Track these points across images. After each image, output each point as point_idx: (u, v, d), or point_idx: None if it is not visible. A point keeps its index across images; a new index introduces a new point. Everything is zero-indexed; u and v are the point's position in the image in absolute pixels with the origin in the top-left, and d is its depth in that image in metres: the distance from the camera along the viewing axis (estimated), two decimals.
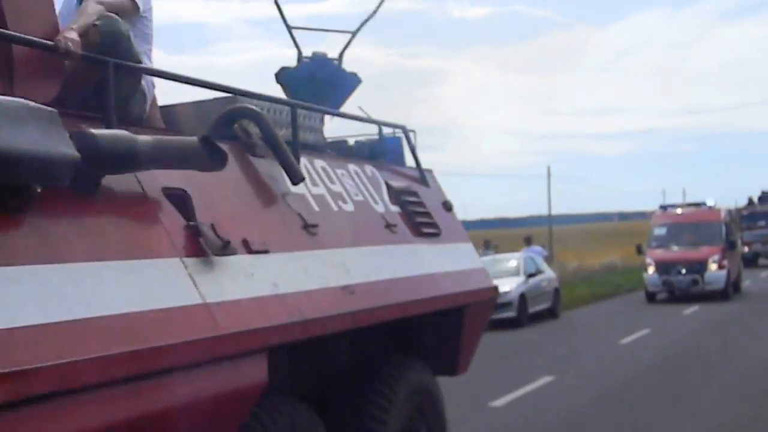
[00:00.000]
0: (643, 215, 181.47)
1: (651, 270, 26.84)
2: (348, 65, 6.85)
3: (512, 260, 23.62)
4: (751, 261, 45.97)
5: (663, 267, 26.46)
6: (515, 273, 22.52)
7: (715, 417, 10.20)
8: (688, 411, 10.65)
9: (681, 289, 26.42)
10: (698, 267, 26.09)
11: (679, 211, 29.70)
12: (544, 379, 13.25)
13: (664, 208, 30.50)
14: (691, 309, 23.80)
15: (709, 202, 29.44)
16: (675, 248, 27.35)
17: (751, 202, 50.26)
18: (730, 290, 26.62)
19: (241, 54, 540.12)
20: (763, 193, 50.51)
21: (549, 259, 28.78)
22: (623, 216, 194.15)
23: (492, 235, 41.38)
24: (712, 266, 26.02)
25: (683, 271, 26.17)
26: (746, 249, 45.23)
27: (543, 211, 49.95)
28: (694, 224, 28.07)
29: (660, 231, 28.58)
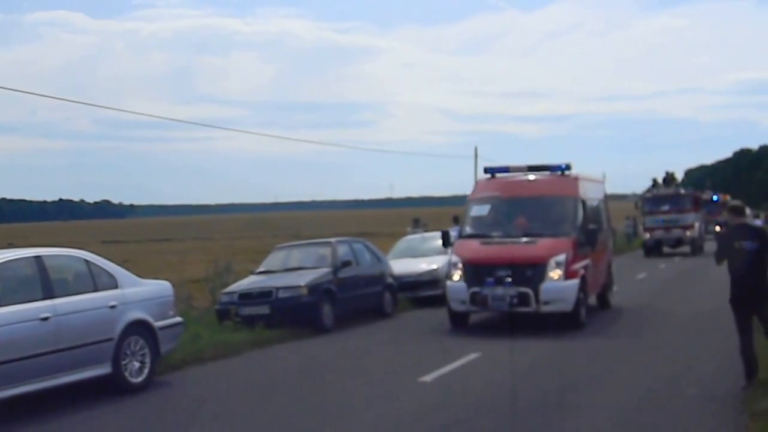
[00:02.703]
0: None
1: (456, 276, 16.59)
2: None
3: (440, 239, 23.72)
4: (653, 249, 42.67)
5: (474, 272, 16.31)
6: (443, 251, 22.65)
7: (632, 392, 10.47)
8: (610, 384, 10.92)
9: (499, 308, 16.27)
10: (530, 273, 15.98)
11: (511, 177, 18.42)
12: (471, 355, 13.46)
13: (490, 171, 18.72)
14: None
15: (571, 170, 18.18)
16: (496, 240, 16.97)
17: (655, 183, 46.34)
18: (582, 312, 16.35)
19: (167, 21, 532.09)
20: (668, 174, 46.74)
21: None
22: None
23: (419, 213, 41.64)
24: (554, 273, 15.93)
25: (506, 279, 15.96)
26: (648, 236, 42.74)
27: (468, 190, 50.56)
28: (532, 200, 17.64)
29: (479, 210, 18.00)
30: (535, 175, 18.16)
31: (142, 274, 13.42)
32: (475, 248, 16.78)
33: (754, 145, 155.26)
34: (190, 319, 15.49)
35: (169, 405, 11.12)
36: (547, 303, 15.79)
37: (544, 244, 16.31)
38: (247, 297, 17.28)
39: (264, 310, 16.94)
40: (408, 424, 9.43)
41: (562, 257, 16.01)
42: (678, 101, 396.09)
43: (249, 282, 18.19)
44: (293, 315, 16.91)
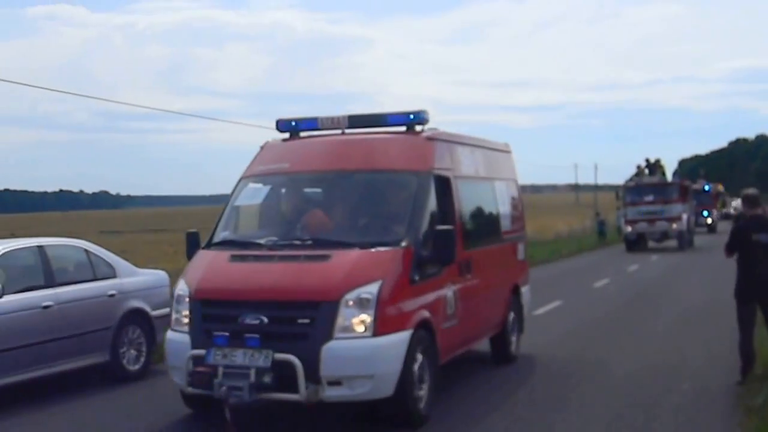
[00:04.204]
0: (554, 188, 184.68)
1: (180, 321, 9.09)
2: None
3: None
4: (635, 244, 39.12)
5: (202, 315, 8.85)
6: None
7: (622, 386, 10.68)
8: (597, 382, 11.14)
9: (235, 399, 8.26)
10: (303, 322, 8.40)
11: (319, 139, 10.80)
12: None
13: (288, 128, 10.87)
14: None
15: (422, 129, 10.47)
16: (258, 253, 9.33)
17: (639, 171, 41.27)
18: (419, 396, 8.85)
19: (165, 13, 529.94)
20: (648, 161, 41.54)
21: None
22: (535, 189, 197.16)
23: None
24: (352, 321, 8.34)
25: (255, 332, 8.40)
26: (629, 229, 39.12)
27: None
28: (339, 179, 10.06)
29: (249, 197, 10.53)
30: (359, 133, 10.50)
31: (138, 264, 13.56)
32: (214, 269, 9.18)
33: (750, 134, 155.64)
34: None
35: (165, 392, 11.24)
36: (335, 383, 8.27)
37: (340, 262, 8.63)
38: None
39: None
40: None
41: (371, 289, 8.35)
42: (672, 90, 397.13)
43: None
44: None
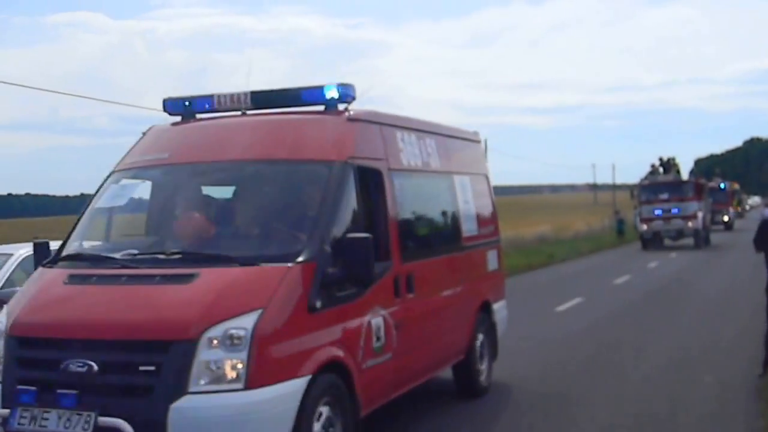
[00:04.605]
0: (572, 188, 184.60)
1: None
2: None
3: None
4: (650, 243, 38.82)
5: (17, 359, 6.34)
6: None
7: (645, 381, 10.67)
8: (619, 376, 11.12)
9: None
10: (147, 370, 5.90)
11: (212, 122, 8.28)
12: None
13: (181, 109, 8.29)
14: None
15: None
16: (104, 271, 6.76)
17: (653, 170, 41.28)
18: None
19: (183, 20, 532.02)
20: (662, 160, 41.52)
21: None
22: (554, 189, 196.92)
23: None
24: (215, 369, 5.87)
25: (82, 385, 5.96)
26: (644, 227, 38.89)
27: None
28: (226, 172, 7.71)
29: (117, 196, 7.87)
30: (264, 114, 8.20)
31: None
32: (44, 295, 6.81)
33: (765, 133, 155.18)
34: None
35: None
36: None
37: (207, 284, 6.34)
38: None
39: None
40: (417, 418, 9.62)
41: (245, 322, 6.07)
42: (687, 91, 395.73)
43: None
44: None
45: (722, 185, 58.22)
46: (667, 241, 39.56)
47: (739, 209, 68.25)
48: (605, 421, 8.86)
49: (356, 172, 7.36)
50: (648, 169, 41.83)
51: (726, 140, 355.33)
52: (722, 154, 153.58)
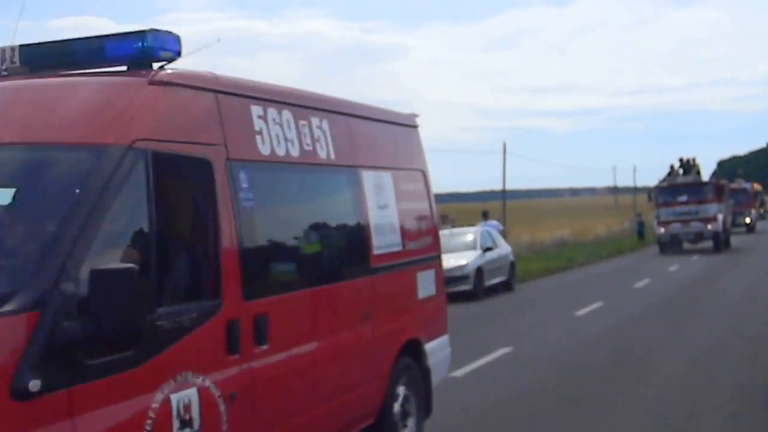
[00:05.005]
0: (593, 191, 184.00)
1: None
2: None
3: (469, 234, 23.95)
4: (668, 246, 37.78)
5: None
6: (472, 247, 22.86)
7: (666, 384, 10.59)
8: (641, 378, 11.04)
9: None
10: None
11: None
12: (502, 350, 13.53)
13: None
14: None
15: None
16: None
17: (672, 171, 40.15)
18: None
19: (193, 25, 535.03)
20: (682, 161, 40.28)
21: (504, 234, 29.16)
22: (574, 192, 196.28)
23: (447, 209, 41.81)
24: None
25: None
26: (662, 230, 37.90)
27: (496, 186, 50.11)
28: None
29: None
30: (38, 77, 5.44)
31: None
32: None
33: None
34: None
35: None
36: None
37: None
38: None
39: None
40: (439, 420, 9.59)
41: None
42: (710, 92, 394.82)
43: None
44: None
45: (745, 186, 57.41)
46: (686, 245, 38.51)
47: (762, 211, 67.53)
48: (625, 424, 8.80)
49: (152, 162, 4.80)
50: (662, 167, 41.19)
51: (749, 141, 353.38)
52: (745, 156, 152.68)
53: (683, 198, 37.72)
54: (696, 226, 37.21)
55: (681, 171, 39.95)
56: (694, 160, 40.41)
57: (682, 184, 38.44)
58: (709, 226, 37.05)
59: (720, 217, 37.56)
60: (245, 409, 5.33)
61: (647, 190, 43.33)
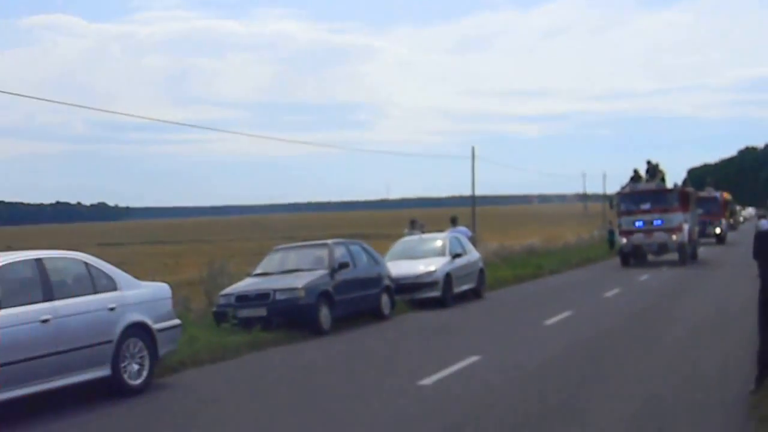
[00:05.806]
0: (563, 198, 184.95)
1: None
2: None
3: (438, 240, 23.80)
4: (630, 257, 35.29)
5: None
6: (441, 253, 22.70)
7: (638, 390, 10.45)
8: (612, 387, 10.89)
9: None
10: None
11: None
12: (470, 358, 13.36)
13: None
14: None
15: None
16: None
17: (636, 176, 37.06)
18: None
19: (163, 23, 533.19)
20: (650, 165, 37.21)
21: (474, 240, 29.00)
22: (543, 198, 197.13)
23: (415, 214, 41.67)
24: None
25: None
26: (624, 241, 35.13)
27: (465, 191, 49.91)
28: None
29: None
30: None
31: (138, 276, 13.39)
32: None
33: (759, 143, 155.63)
34: (188, 321, 15.41)
35: (167, 407, 11.09)
36: None
37: None
38: (244, 299, 17.26)
39: (261, 312, 16.92)
40: (407, 428, 9.40)
41: None
42: (680, 99, 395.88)
43: (245, 284, 18.11)
44: (290, 317, 16.91)
45: (715, 195, 55.56)
46: (650, 257, 36.28)
47: (732, 221, 66.94)
48: None
49: None
50: (630, 174, 37.93)
51: (720, 149, 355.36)
52: (716, 164, 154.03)
53: (646, 206, 34.93)
54: (660, 236, 34.53)
55: (647, 176, 37.03)
56: (657, 165, 37.53)
57: (645, 191, 35.54)
58: (674, 237, 34.42)
59: (686, 227, 35.18)
60: None
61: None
